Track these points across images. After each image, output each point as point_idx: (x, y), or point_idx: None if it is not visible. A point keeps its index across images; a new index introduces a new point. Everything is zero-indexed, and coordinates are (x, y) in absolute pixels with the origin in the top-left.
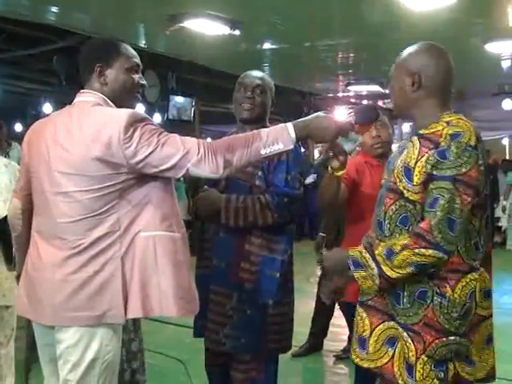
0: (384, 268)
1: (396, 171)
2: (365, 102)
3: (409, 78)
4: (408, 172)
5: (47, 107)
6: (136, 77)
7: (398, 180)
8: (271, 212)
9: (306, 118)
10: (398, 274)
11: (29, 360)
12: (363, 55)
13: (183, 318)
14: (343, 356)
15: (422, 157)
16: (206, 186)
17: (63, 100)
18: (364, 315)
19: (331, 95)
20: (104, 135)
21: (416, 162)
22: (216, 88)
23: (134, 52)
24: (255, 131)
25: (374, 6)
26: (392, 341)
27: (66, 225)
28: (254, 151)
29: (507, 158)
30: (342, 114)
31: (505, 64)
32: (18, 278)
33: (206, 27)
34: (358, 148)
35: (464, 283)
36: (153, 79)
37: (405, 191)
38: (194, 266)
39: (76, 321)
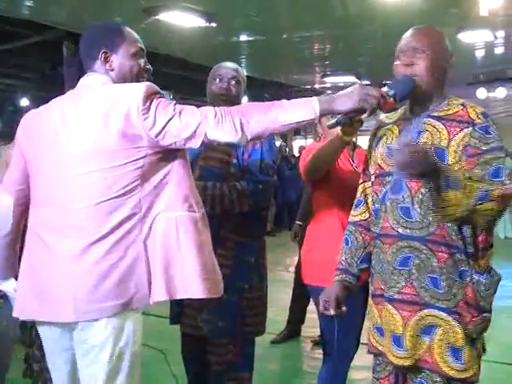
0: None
1: None
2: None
3: (448, 56)
4: (441, 152)
5: (24, 102)
6: (142, 61)
7: None
8: (247, 199)
9: None
10: (480, 208)
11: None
12: (339, 46)
13: (162, 309)
14: (320, 341)
15: (454, 136)
16: None
17: (40, 95)
18: (393, 311)
19: (308, 87)
20: (122, 107)
21: (449, 142)
22: (193, 81)
23: (137, 36)
24: (276, 101)
25: None
26: (429, 329)
27: (84, 210)
28: (272, 117)
29: None
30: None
31: (479, 53)
32: None
33: (182, 20)
34: (320, 135)
35: (488, 257)
36: None
37: None
38: None
39: (102, 312)
